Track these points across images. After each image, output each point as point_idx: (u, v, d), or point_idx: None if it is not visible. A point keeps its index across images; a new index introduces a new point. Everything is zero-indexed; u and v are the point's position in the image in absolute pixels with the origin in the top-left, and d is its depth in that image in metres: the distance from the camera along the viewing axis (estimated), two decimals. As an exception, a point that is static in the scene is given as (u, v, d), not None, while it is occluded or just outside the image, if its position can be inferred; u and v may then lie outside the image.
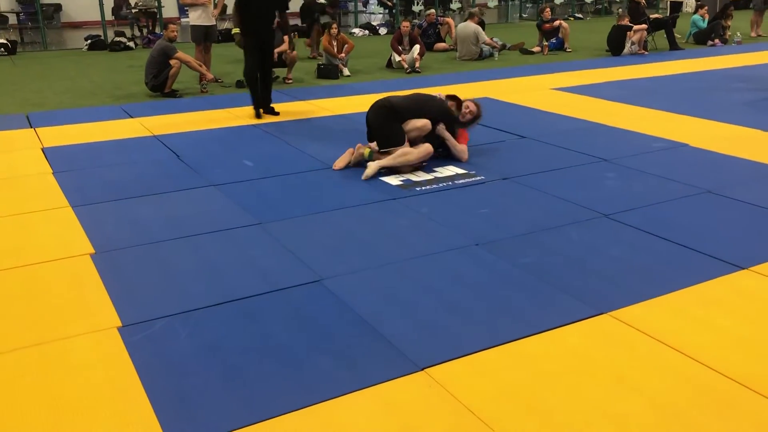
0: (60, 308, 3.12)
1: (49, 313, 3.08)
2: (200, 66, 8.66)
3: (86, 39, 13.55)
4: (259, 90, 7.17)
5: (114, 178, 5.07)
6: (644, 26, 11.58)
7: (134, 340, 2.82)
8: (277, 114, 7.13)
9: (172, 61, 8.15)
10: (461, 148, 5.38)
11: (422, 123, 5.17)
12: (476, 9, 12.19)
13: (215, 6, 9.35)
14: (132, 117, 7.16)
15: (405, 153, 5.04)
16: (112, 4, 16.19)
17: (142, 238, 3.93)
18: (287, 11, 7.33)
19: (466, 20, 11.58)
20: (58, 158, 5.59)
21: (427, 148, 5.11)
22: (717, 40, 12.68)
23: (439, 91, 5.76)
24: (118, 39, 13.34)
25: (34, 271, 3.52)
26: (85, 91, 8.84)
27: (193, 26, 9.12)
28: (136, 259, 3.65)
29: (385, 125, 5.16)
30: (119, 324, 2.96)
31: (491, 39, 11.94)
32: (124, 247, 3.81)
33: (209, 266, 3.56)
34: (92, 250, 3.75)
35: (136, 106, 7.78)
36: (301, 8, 12.28)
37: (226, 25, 15.07)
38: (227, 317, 3.03)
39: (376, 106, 5.28)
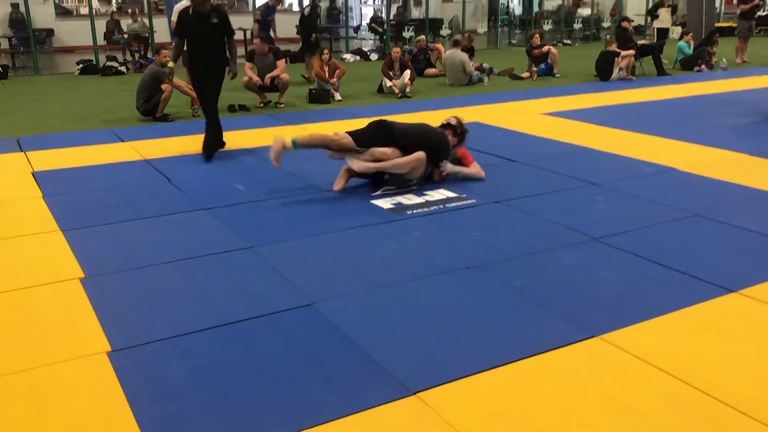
0: (49, 333, 3.09)
1: (38, 337, 3.05)
2: (191, 90, 8.67)
3: (78, 63, 13.59)
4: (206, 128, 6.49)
5: (104, 202, 5.06)
6: (632, 52, 11.74)
7: (124, 365, 2.80)
8: (211, 157, 6.40)
9: (164, 86, 8.18)
10: (476, 171, 5.51)
11: (417, 156, 5.15)
12: (460, 36, 12.29)
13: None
14: (123, 141, 7.16)
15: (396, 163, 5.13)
16: (104, 29, 16.26)
17: (132, 262, 3.91)
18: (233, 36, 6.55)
19: (452, 48, 11.70)
20: (48, 182, 5.57)
21: (418, 155, 5.15)
22: (703, 66, 12.87)
23: (430, 115, 5.85)
24: (109, 63, 13.39)
25: (23, 296, 3.49)
26: (76, 115, 8.84)
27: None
28: (126, 284, 3.63)
29: (376, 134, 5.22)
30: (109, 349, 2.93)
31: (480, 64, 12.06)
32: (114, 271, 3.79)
33: (200, 290, 3.54)
34: (82, 275, 3.73)
35: (128, 130, 7.79)
36: (302, 25, 12.29)
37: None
38: (218, 342, 3.01)
39: (376, 121, 5.38)
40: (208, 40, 6.31)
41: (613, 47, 11.74)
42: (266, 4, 12.21)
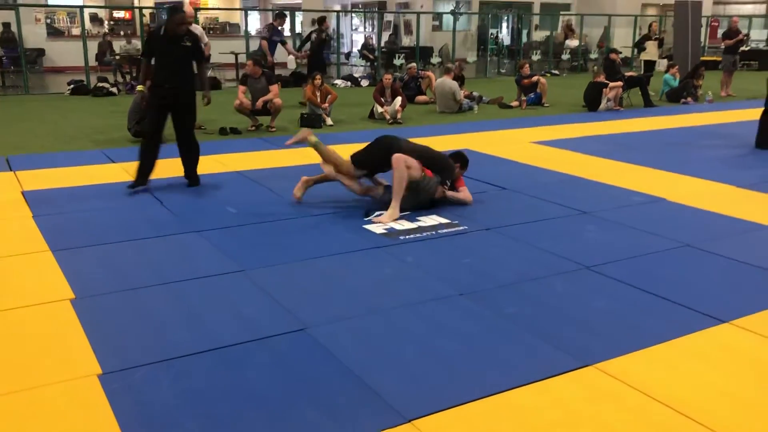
0: (39, 354, 3.05)
1: (28, 359, 3.01)
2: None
3: (69, 84, 13.57)
4: (183, 159, 6.27)
5: (95, 223, 5.02)
6: (620, 83, 11.92)
7: (114, 388, 2.76)
8: (197, 185, 6.26)
9: (156, 108, 8.17)
10: (464, 195, 5.60)
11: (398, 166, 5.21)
12: (451, 65, 12.46)
13: (201, 54, 9.46)
14: (114, 162, 7.14)
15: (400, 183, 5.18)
16: (96, 50, 16.28)
17: (123, 283, 3.88)
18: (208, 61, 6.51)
19: (443, 75, 11.84)
20: (38, 202, 5.53)
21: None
22: (690, 98, 13.08)
23: (421, 141, 5.90)
24: (101, 84, 13.38)
25: (13, 316, 3.44)
26: (67, 136, 8.81)
27: None
28: (117, 305, 3.60)
29: (374, 153, 5.41)
30: (99, 371, 2.90)
31: (470, 93, 12.19)
32: (105, 292, 3.75)
33: (192, 313, 3.51)
34: (72, 296, 3.69)
35: (119, 151, 7.76)
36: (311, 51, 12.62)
37: (210, 72, 15.22)
38: (210, 366, 2.98)
39: (379, 138, 5.54)
40: (178, 64, 5.99)
41: (601, 78, 11.91)
42: (271, 24, 12.42)
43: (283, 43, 12.33)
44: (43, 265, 4.16)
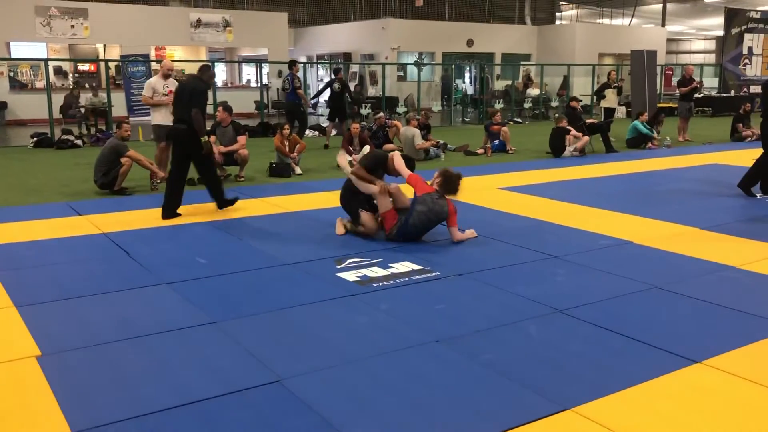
0: (3, 415, 2.94)
1: (-9, 420, 2.90)
2: (151, 164, 8.66)
3: (32, 136, 13.42)
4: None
5: (61, 277, 4.91)
6: (586, 139, 12.21)
7: (84, 448, 2.67)
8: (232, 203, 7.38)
9: (124, 159, 8.12)
10: (458, 236, 5.89)
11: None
12: (413, 114, 12.84)
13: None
14: (80, 214, 7.03)
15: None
16: (60, 103, 16.18)
17: (91, 339, 3.78)
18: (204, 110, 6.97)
19: (407, 124, 12.08)
20: (0, 256, 5.40)
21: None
22: (652, 143, 13.44)
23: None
24: (65, 137, 13.25)
25: (-25, 376, 3.33)
26: (30, 188, 8.67)
27: (155, 126, 9.19)
28: (85, 362, 3.50)
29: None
30: (69, 431, 2.80)
31: (436, 141, 12.38)
32: (73, 348, 3.65)
33: (163, 368, 3.44)
34: (38, 353, 3.58)
35: (84, 203, 7.65)
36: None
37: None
38: (183, 421, 2.91)
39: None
40: (179, 106, 7.17)
41: (564, 124, 12.21)
42: (292, 74, 13.09)
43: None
44: (7, 321, 4.04)
